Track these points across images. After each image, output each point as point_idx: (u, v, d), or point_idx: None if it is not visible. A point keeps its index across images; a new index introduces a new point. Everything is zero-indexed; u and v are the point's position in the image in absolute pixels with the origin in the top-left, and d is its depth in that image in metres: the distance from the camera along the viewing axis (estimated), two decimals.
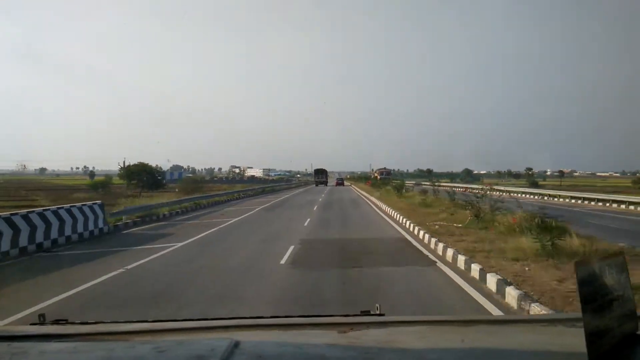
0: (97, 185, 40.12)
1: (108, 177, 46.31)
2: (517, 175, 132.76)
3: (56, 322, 1.37)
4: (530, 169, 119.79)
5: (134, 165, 43.56)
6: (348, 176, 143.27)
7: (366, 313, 1.45)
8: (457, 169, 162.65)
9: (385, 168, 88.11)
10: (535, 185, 71.37)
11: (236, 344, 0.96)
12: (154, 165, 44.59)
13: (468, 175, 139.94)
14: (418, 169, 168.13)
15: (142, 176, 42.09)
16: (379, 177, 73.04)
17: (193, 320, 1.28)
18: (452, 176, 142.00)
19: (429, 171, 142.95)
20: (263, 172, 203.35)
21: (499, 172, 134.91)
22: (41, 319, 1.37)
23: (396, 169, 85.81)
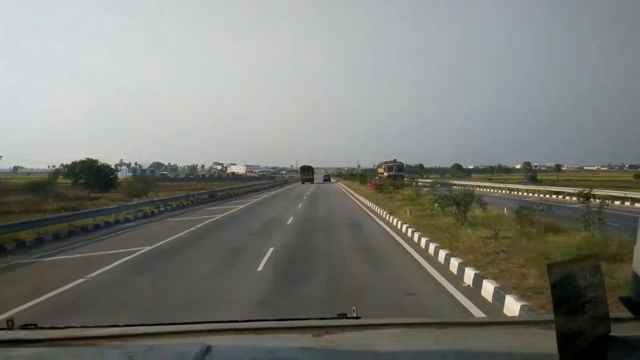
0: (33, 186, 33.07)
1: (52, 176, 39.10)
2: (507, 170, 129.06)
3: (24, 326, 1.29)
4: (528, 163, 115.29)
5: (81, 161, 36.79)
6: (334, 173, 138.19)
7: (343, 316, 1.38)
8: (443, 163, 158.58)
9: (395, 161, 57.93)
10: (534, 180, 66.75)
11: (207, 349, 0.95)
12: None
13: (459, 171, 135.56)
14: (406, 164, 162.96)
15: (90, 174, 35.37)
16: (385, 174, 50.13)
17: (164, 325, 1.24)
18: (441, 172, 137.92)
19: (421, 167, 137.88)
20: (247, 168, 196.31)
21: (491, 167, 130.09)
22: (9, 324, 1.28)
23: None
